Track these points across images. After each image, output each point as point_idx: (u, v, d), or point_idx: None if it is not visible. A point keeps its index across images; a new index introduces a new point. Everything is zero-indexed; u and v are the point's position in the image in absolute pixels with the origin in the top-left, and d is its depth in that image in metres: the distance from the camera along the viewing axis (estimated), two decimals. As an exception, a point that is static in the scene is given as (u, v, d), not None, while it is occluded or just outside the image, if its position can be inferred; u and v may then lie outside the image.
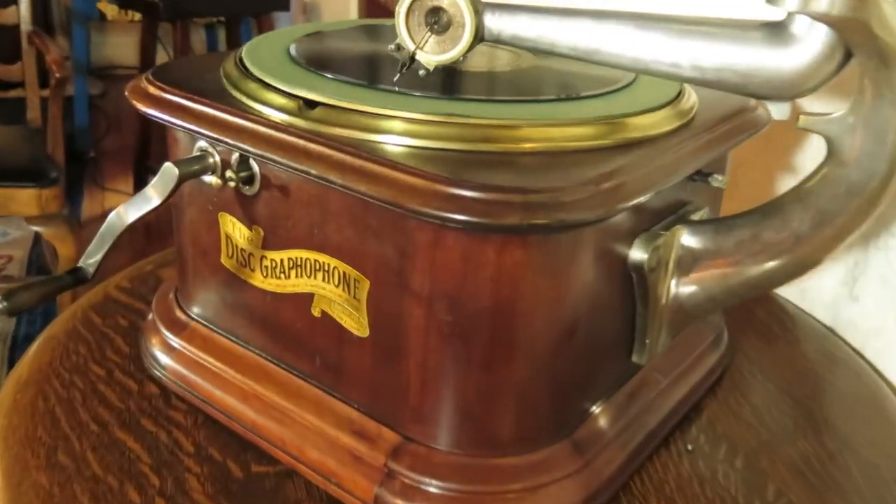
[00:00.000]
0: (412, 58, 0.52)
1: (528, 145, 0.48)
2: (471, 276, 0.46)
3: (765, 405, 0.66)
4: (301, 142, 0.48)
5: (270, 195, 0.53)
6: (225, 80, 0.57)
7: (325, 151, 0.47)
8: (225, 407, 0.59)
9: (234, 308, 0.60)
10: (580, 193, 0.44)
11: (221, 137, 0.52)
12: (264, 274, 0.56)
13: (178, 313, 0.64)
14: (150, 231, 2.42)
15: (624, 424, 0.57)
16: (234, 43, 2.70)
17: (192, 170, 0.54)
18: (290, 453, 0.55)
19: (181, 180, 0.54)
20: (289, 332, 0.57)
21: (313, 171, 0.47)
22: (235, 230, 0.57)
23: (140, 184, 2.67)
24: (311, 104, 0.50)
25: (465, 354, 0.48)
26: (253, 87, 0.54)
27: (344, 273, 0.51)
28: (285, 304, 0.56)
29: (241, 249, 0.57)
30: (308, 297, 0.54)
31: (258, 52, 0.60)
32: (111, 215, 0.56)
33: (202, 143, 0.56)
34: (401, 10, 0.52)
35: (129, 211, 0.55)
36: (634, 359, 0.58)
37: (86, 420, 0.60)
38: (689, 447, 0.61)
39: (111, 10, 3.47)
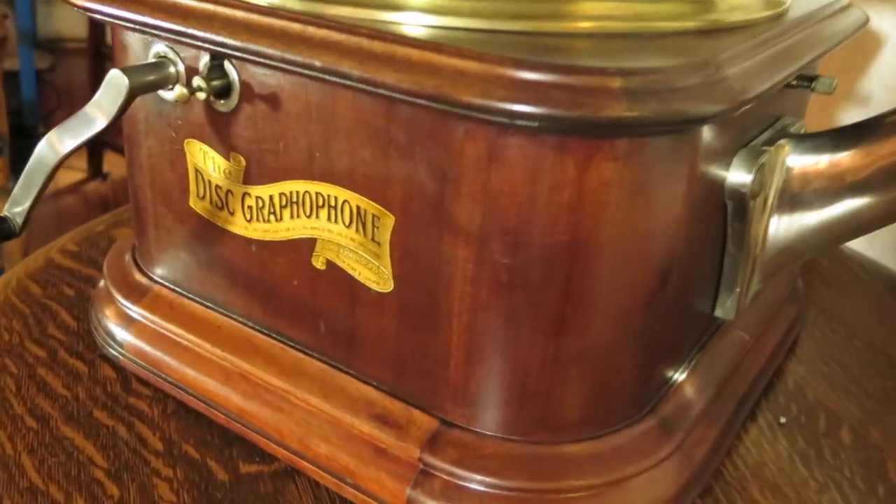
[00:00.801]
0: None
1: (589, 24, 0.35)
2: (540, 202, 0.34)
3: (858, 366, 0.55)
4: (298, 25, 0.35)
5: (253, 110, 0.40)
6: (187, -35, 0.43)
7: (335, 36, 0.34)
8: (202, 391, 0.46)
9: (209, 265, 0.47)
10: (694, 78, 0.32)
11: (186, 30, 0.39)
12: (248, 217, 0.43)
13: (138, 276, 0.51)
14: (109, 207, 2.26)
15: (712, 395, 0.45)
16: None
17: (147, 80, 0.41)
18: (289, 447, 0.43)
19: (133, 93, 0.40)
20: (282, 291, 0.44)
21: (318, 63, 0.34)
22: (207, 161, 0.44)
23: (95, 161, 2.49)
24: (307, -19, 0.37)
25: (529, 310, 0.36)
26: (225, -34, 0.40)
27: (358, 208, 0.38)
28: (277, 256, 0.43)
29: (217, 187, 0.44)
30: (307, 245, 0.41)
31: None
32: (40, 144, 0.42)
33: (160, 47, 0.42)
34: None
35: (65, 138, 0.42)
36: (719, 313, 0.46)
37: (20, 413, 0.47)
38: (782, 420, 0.49)
39: (56, -26, 3.25)
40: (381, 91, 0.33)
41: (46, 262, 0.62)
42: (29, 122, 2.78)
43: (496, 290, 0.36)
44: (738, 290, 0.45)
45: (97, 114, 0.41)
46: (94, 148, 2.45)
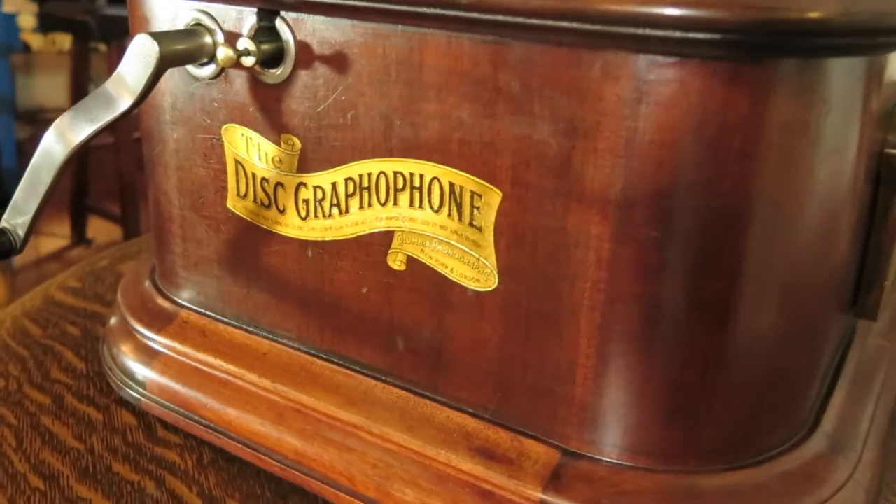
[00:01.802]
0: None
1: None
2: (703, 152, 0.26)
3: None
4: (379, -48, 0.28)
5: (312, 77, 0.33)
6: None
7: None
8: (247, 433, 0.37)
9: (252, 279, 0.39)
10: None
11: (230, -21, 0.32)
12: (303, 213, 0.36)
13: (160, 302, 0.43)
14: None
15: (872, 407, 0.37)
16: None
17: (181, 49, 0.34)
18: (364, 497, 0.34)
19: (163, 63, 0.33)
20: (347, 304, 0.36)
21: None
22: (252, 150, 0.36)
23: (78, 227, 2.40)
24: None
25: (685, 298, 0.28)
26: None
27: (451, 186, 0.31)
28: (340, 260, 0.35)
29: (263, 180, 0.36)
30: (381, 241, 0.34)
31: None
32: (47, 135, 0.35)
33: (192, 13, 0.35)
34: None
35: (78, 122, 0.34)
36: (859, 313, 0.38)
37: (22, 471, 0.38)
38: (938, 439, 0.41)
39: (36, 41, 3.20)
40: (494, 16, 0.26)
41: (45, 300, 0.54)
42: (10, 190, 2.70)
43: (641, 274, 0.28)
44: (884, 283, 0.38)
45: (120, 91, 0.33)
46: (78, 212, 2.36)
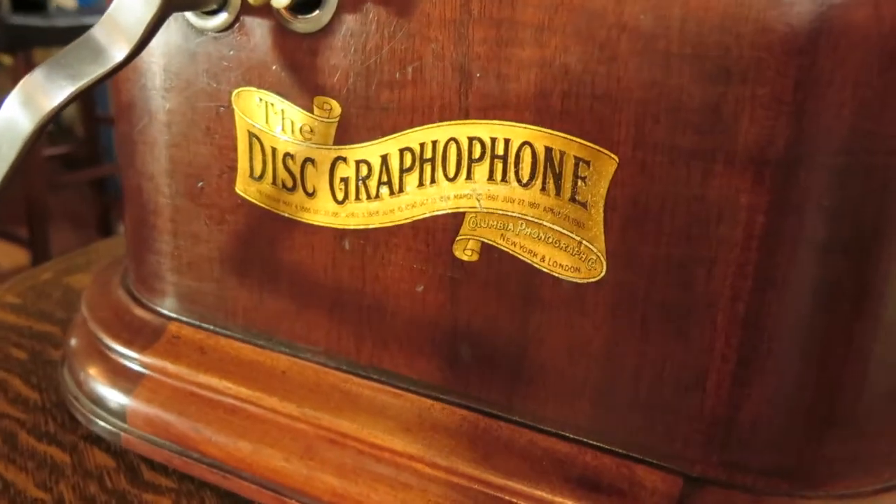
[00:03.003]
0: None
1: None
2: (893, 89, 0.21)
3: None
4: None
5: (361, 21, 0.26)
6: None
7: None
8: (266, 471, 0.30)
9: (266, 281, 0.32)
10: None
11: None
12: (340, 196, 0.29)
13: (141, 313, 0.35)
14: None
15: None
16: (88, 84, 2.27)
17: (191, -14, 0.27)
18: (428, 546, 0.28)
19: (170, 4, 0.26)
20: (396, 307, 0.29)
21: None
22: (273, 118, 0.29)
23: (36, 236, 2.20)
24: None
25: (856, 283, 0.23)
26: None
27: (548, 152, 0.25)
28: (388, 252, 0.29)
29: (287, 156, 0.29)
30: (446, 227, 0.27)
31: None
32: (8, 102, 0.27)
33: (198, -52, 0.28)
34: None
35: (52, 83, 0.26)
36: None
37: (-26, 535, 0.29)
38: None
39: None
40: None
41: (-21, 319, 0.45)
42: None
43: (805, 254, 0.23)
44: None
45: (113, 39, 0.26)
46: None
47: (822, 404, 0.24)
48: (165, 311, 0.35)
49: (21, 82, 0.27)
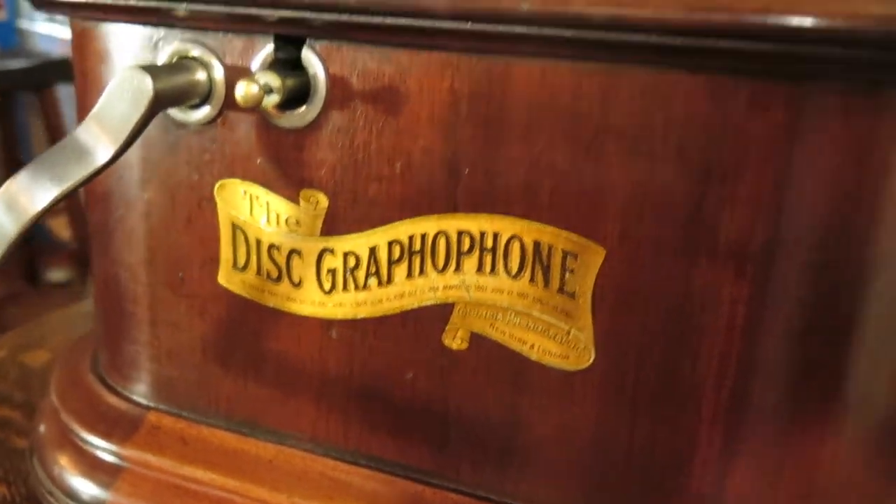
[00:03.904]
0: None
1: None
2: (870, 197, 0.22)
3: None
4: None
5: (349, 117, 0.27)
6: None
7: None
8: (256, 565, 0.30)
9: (250, 370, 0.31)
10: None
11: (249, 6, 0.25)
12: (327, 287, 0.29)
13: (115, 401, 0.34)
14: None
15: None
16: (8, 126, 2.20)
17: (177, 86, 0.27)
18: None
19: (158, 104, 0.26)
20: (385, 393, 0.29)
21: (544, 11, 0.22)
22: (258, 210, 0.29)
23: None
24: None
25: (833, 368, 0.24)
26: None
27: (536, 246, 0.26)
28: (378, 340, 0.29)
29: (272, 248, 0.30)
30: (435, 317, 0.28)
31: None
32: (-6, 198, 0.26)
33: (180, 44, 0.28)
34: None
35: (40, 183, 0.26)
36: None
37: None
38: None
39: None
40: (629, 37, 0.22)
41: (-66, 406, 0.43)
42: None
43: (785, 342, 0.24)
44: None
45: (97, 140, 0.26)
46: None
47: (800, 481, 0.25)
48: (143, 400, 0.34)
49: (5, 184, 0.26)
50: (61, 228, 2.25)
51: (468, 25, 0.23)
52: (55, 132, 1.82)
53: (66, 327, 0.52)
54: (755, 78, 0.22)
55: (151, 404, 0.34)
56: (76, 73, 0.32)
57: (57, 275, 2.10)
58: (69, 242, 2.11)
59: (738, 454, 0.25)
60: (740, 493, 0.26)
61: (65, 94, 1.90)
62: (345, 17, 0.24)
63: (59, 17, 2.13)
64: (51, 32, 2.09)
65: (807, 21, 0.19)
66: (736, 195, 0.23)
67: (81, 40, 0.31)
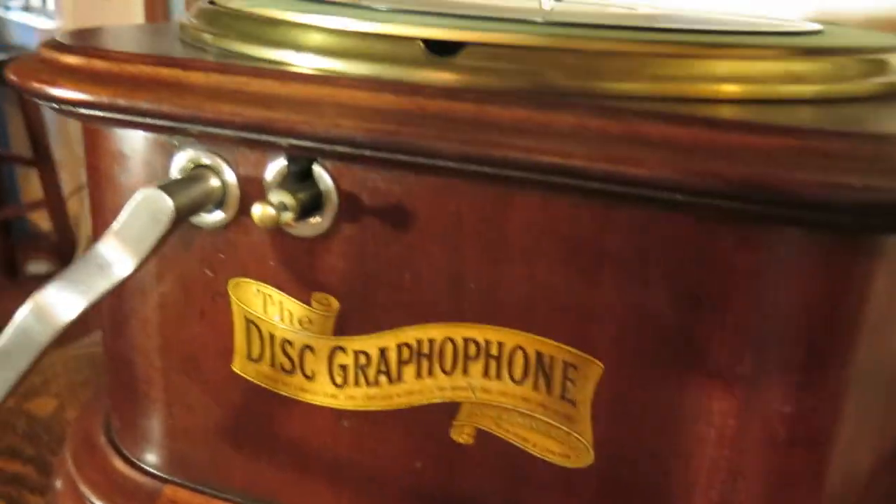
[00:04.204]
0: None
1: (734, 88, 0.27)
2: (846, 326, 0.24)
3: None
4: (471, 105, 0.24)
5: (359, 230, 0.28)
6: (211, 34, 0.31)
7: (559, 118, 0.24)
8: None
9: (264, 451, 0.33)
10: None
11: (266, 124, 0.27)
12: (339, 381, 0.31)
13: (130, 472, 0.36)
14: None
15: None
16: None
17: (193, 200, 0.28)
18: None
19: (177, 220, 0.27)
20: (394, 479, 0.31)
21: (547, 161, 0.23)
22: (271, 308, 0.31)
23: None
24: (445, 47, 0.27)
25: (812, 472, 0.26)
26: (290, 33, 0.29)
27: (538, 356, 0.27)
28: (387, 431, 0.31)
29: (285, 342, 0.31)
30: (443, 412, 0.29)
31: None
32: (22, 312, 0.28)
33: (194, 152, 0.30)
34: None
35: (65, 297, 0.27)
36: None
37: None
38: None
39: None
40: (626, 189, 0.23)
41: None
42: None
43: (769, 450, 0.26)
44: None
45: (118, 254, 0.27)
46: None
47: (786, 571, 0.28)
48: (159, 473, 0.36)
49: (34, 296, 0.28)
50: (41, 221, 2.23)
51: (474, 167, 0.24)
52: (35, 126, 1.81)
53: (69, 371, 0.53)
54: (742, 222, 0.24)
55: (167, 477, 0.36)
56: (88, 166, 0.33)
57: (37, 267, 2.09)
58: (49, 234, 2.10)
59: (725, 546, 0.27)
60: (726, 579, 0.28)
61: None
62: (355, 151, 0.26)
63: (35, 7, 2.09)
64: (26, 21, 2.06)
65: (793, 191, 0.21)
66: (725, 322, 0.25)
67: (94, 138, 0.32)
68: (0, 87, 2.09)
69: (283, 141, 0.27)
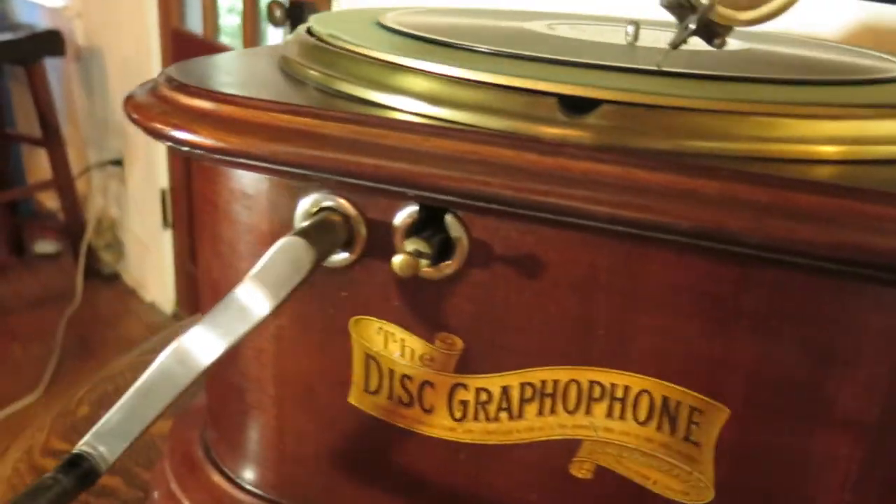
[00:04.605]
0: (706, 16, 0.31)
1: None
2: (972, 379, 0.26)
3: None
4: (620, 168, 0.25)
5: (489, 276, 0.29)
6: (339, 81, 0.32)
7: (718, 187, 0.25)
8: None
9: (378, 478, 0.34)
10: None
11: (413, 178, 0.27)
12: (458, 415, 0.32)
13: (238, 495, 0.37)
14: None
15: None
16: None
17: (329, 245, 0.29)
18: None
19: (316, 266, 0.28)
20: (508, 508, 0.32)
21: (683, 225, 0.24)
22: (392, 345, 0.32)
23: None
24: (582, 104, 0.27)
25: (928, 513, 0.28)
26: (431, 87, 0.30)
27: (665, 400, 0.29)
28: (505, 464, 0.32)
29: (405, 377, 0.32)
30: (563, 449, 0.31)
31: (358, 34, 0.35)
32: (165, 356, 0.29)
33: (320, 196, 0.30)
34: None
35: (207, 339, 0.28)
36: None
37: None
38: None
39: None
40: (774, 255, 0.24)
41: (34, 470, 0.45)
42: None
43: (889, 493, 0.27)
44: None
45: (255, 298, 0.28)
46: None
47: None
48: (264, 494, 0.37)
49: (178, 340, 0.28)
50: (49, 200, 2.23)
51: (620, 228, 0.25)
52: (43, 105, 1.79)
53: (135, 374, 0.54)
54: (881, 284, 0.25)
55: (274, 499, 0.37)
56: (201, 198, 0.34)
57: (45, 247, 2.09)
58: (56, 213, 2.09)
59: (837, 580, 0.29)
60: None
61: (50, 65, 1.86)
62: (500, 207, 0.27)
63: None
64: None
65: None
66: (856, 377, 0.26)
67: (211, 174, 0.33)
68: (7, 66, 2.08)
69: (423, 193, 0.28)
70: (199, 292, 0.38)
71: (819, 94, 0.29)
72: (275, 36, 1.44)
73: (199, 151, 0.30)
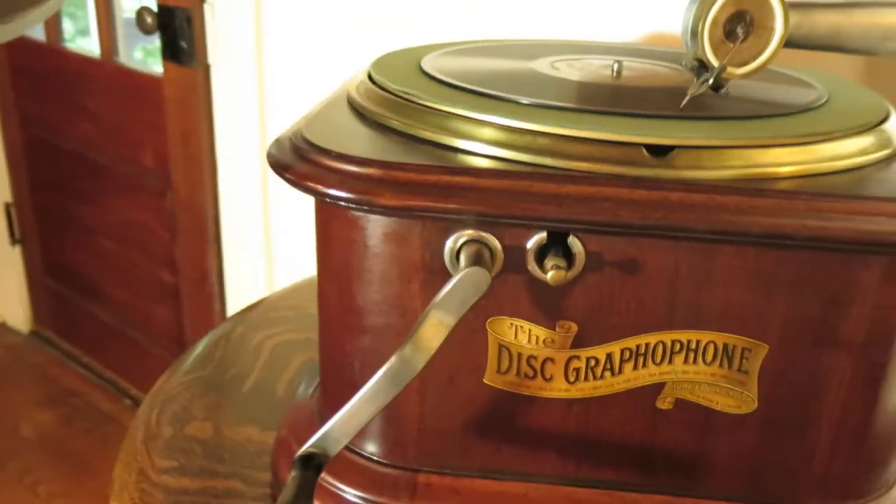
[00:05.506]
0: (719, 73, 0.43)
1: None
2: (914, 306, 0.41)
3: None
4: (720, 197, 0.38)
5: (600, 278, 0.41)
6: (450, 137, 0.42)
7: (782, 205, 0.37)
8: (535, 565, 0.44)
9: (504, 437, 0.45)
10: None
11: (553, 216, 0.38)
12: (572, 379, 0.43)
13: (380, 468, 0.47)
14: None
15: None
16: None
17: (488, 267, 0.39)
18: (661, 586, 0.44)
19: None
20: (610, 442, 0.44)
21: (760, 231, 0.37)
22: (521, 335, 0.43)
23: None
24: (659, 150, 0.39)
25: (890, 388, 0.43)
26: (538, 142, 0.40)
27: (725, 346, 0.42)
28: (607, 409, 0.44)
29: (530, 357, 0.43)
30: (650, 391, 0.43)
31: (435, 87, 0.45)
32: (393, 362, 0.38)
33: (468, 231, 0.40)
34: (706, 20, 0.43)
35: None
36: None
37: None
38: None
39: None
40: (805, 243, 0.38)
41: (139, 491, 0.52)
42: None
43: (871, 385, 0.42)
44: None
45: (446, 313, 0.38)
46: None
47: (874, 450, 0.44)
48: (405, 465, 0.47)
49: (398, 351, 0.38)
50: None
51: (712, 237, 0.38)
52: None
53: (195, 395, 0.61)
54: (873, 254, 0.39)
55: (416, 467, 0.47)
56: (343, 240, 0.43)
57: None
58: None
59: (840, 444, 0.43)
60: (844, 465, 0.44)
61: None
62: (623, 231, 0.38)
63: None
64: None
65: (917, 242, 0.37)
66: (849, 316, 0.40)
67: (364, 222, 0.42)
68: None
69: (559, 225, 0.39)
70: (323, 321, 0.46)
71: (774, 128, 0.43)
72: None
73: (378, 209, 0.39)
